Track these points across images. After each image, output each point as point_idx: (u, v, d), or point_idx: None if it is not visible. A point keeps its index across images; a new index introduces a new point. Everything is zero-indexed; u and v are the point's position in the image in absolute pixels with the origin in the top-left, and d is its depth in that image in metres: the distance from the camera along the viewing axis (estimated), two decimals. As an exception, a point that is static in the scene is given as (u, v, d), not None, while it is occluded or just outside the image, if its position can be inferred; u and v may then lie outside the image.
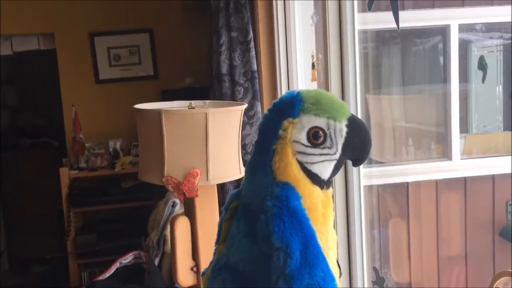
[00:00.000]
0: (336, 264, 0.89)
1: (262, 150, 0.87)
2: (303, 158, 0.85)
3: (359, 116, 1.85)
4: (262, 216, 0.81)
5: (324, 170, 0.86)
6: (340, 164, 0.88)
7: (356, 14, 1.78)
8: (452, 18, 2.72)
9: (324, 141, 0.85)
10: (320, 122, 0.84)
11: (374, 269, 1.87)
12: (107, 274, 2.39)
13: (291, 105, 0.85)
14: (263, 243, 0.81)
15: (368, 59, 2.59)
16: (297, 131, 0.85)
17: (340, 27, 1.80)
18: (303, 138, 0.85)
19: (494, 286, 1.06)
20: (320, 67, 1.96)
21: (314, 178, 0.86)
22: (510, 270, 1.06)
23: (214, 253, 0.98)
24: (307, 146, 0.85)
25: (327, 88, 1.84)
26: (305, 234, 0.78)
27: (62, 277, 3.46)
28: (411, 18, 2.69)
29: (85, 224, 3.57)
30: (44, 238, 4.26)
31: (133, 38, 3.58)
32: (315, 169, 0.85)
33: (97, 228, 3.45)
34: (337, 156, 0.86)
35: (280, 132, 0.85)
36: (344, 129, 0.85)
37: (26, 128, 4.90)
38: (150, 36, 3.60)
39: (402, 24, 1.61)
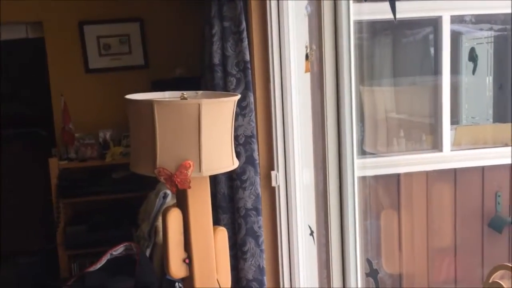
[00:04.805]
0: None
1: None
2: None
3: (353, 108, 1.84)
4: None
5: None
6: None
7: (352, 4, 1.77)
8: (444, 9, 2.72)
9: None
10: None
11: (368, 261, 1.87)
12: (98, 265, 2.38)
13: None
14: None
15: (363, 50, 2.58)
16: None
17: (335, 18, 1.78)
18: None
19: (491, 279, 1.06)
20: (314, 58, 1.95)
21: None
22: (507, 264, 1.06)
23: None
24: None
25: (321, 79, 1.82)
26: None
27: (51, 268, 3.44)
28: (403, 9, 2.67)
29: (75, 215, 3.54)
30: (32, 229, 4.22)
31: (124, 27, 3.54)
32: None
33: (87, 219, 3.43)
34: None
35: None
36: None
37: (12, 118, 4.83)
38: (140, 25, 3.55)
39: (395, 15, 1.59)
